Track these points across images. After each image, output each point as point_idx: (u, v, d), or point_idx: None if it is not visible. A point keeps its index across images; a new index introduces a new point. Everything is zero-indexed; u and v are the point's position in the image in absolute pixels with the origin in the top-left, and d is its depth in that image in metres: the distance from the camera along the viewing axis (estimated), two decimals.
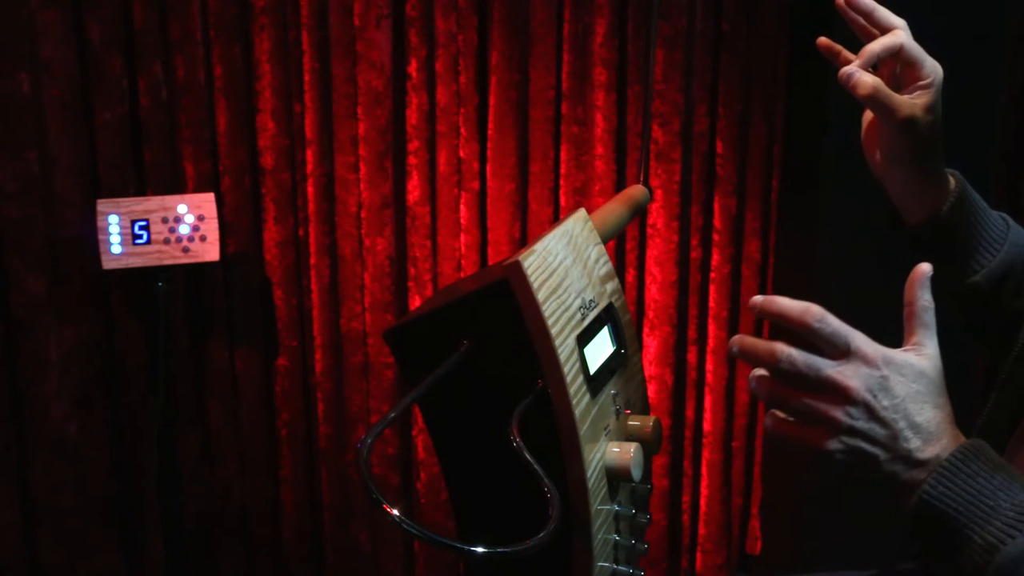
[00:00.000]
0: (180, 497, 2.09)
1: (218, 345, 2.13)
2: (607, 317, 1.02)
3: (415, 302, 2.15)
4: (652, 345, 2.20)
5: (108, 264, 1.90)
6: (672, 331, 2.19)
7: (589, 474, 0.91)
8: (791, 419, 0.78)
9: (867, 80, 0.92)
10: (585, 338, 0.95)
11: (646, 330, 2.20)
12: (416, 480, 2.25)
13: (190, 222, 1.94)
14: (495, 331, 0.92)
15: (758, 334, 2.26)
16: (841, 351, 0.76)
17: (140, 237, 1.91)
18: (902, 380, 0.76)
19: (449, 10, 2.04)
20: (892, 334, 0.80)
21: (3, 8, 1.88)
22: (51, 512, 2.06)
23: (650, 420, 1.04)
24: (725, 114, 2.13)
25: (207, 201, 1.95)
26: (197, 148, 2.04)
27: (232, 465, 2.20)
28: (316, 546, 2.28)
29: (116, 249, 1.90)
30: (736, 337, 0.80)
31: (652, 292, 2.18)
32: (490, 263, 2.14)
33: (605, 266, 1.05)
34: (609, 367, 1.00)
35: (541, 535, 0.76)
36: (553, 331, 0.89)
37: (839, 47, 1.00)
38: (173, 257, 1.94)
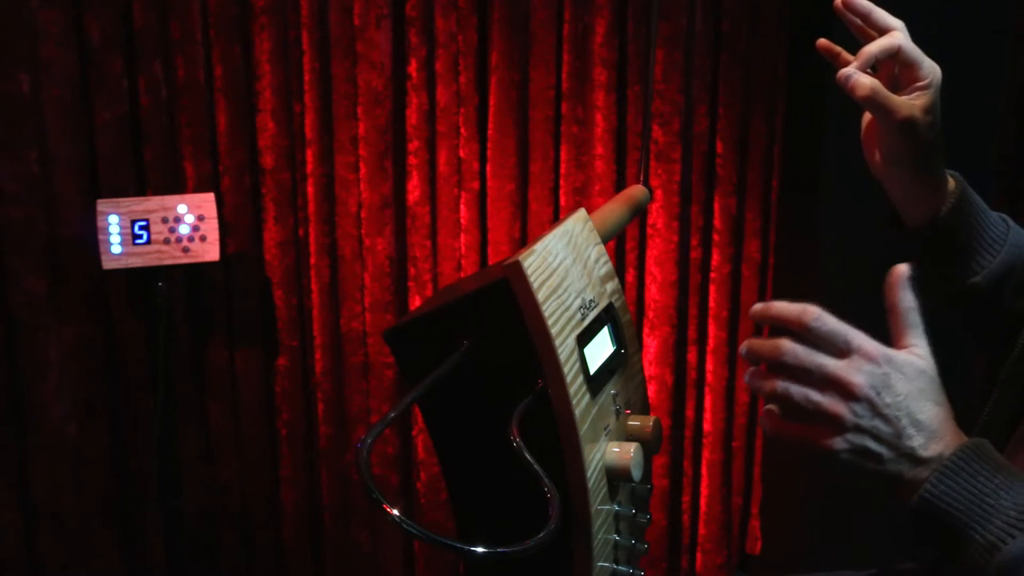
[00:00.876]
0: (180, 497, 2.09)
1: (218, 345, 2.13)
2: (607, 317, 1.02)
3: (415, 302, 2.15)
4: (652, 345, 2.20)
5: (108, 264, 1.90)
6: (672, 331, 2.19)
7: (589, 474, 0.91)
8: (791, 418, 0.78)
9: (865, 81, 0.92)
10: (585, 338, 0.95)
11: (646, 330, 2.20)
12: (416, 480, 2.25)
13: (190, 222, 1.94)
14: (495, 331, 0.92)
15: (759, 335, 2.26)
16: (842, 349, 0.76)
17: (140, 237, 1.91)
18: (904, 378, 0.76)
19: (449, 10, 2.04)
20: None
21: (3, 8, 1.88)
22: (51, 512, 2.06)
23: (650, 420, 1.04)
24: (725, 114, 2.13)
25: (207, 201, 1.95)
26: (197, 148, 2.04)
27: (232, 465, 2.20)
28: (316, 546, 2.28)
29: (116, 249, 1.90)
30: (746, 341, 0.80)
31: (652, 292, 2.18)
32: (490, 263, 2.14)
33: (605, 266, 1.05)
34: (609, 367, 1.00)
35: (541, 535, 0.76)
36: (553, 331, 0.89)
37: (839, 48, 1.00)
38: (173, 257, 1.93)
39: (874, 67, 0.95)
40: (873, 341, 0.77)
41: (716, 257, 2.19)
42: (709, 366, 2.24)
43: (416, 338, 0.98)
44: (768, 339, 0.78)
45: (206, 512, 2.19)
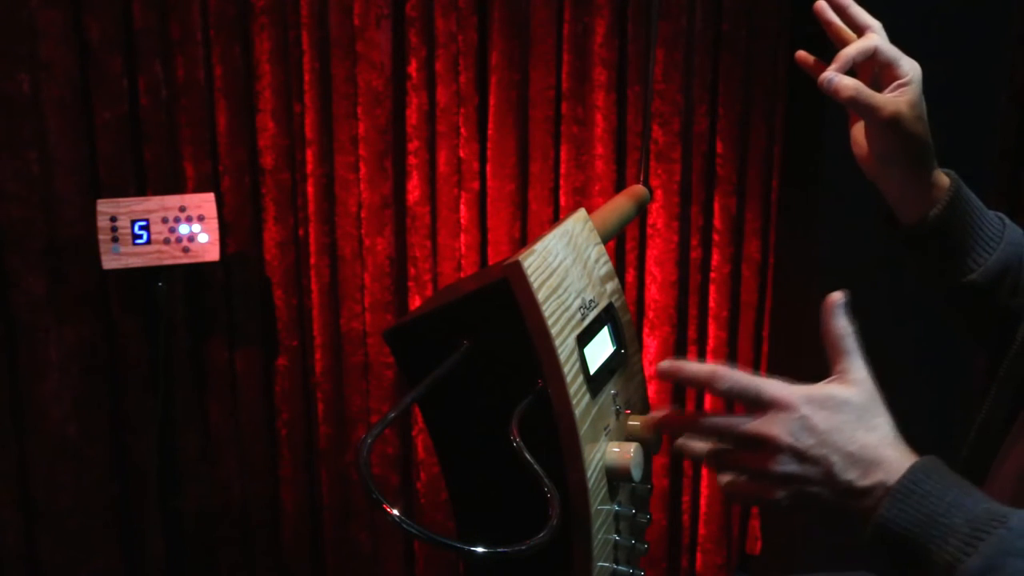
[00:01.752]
0: (180, 497, 2.09)
1: (218, 345, 2.13)
2: (607, 317, 1.02)
3: (415, 302, 2.15)
4: (652, 345, 2.20)
5: (108, 264, 1.90)
6: (672, 331, 2.19)
7: (589, 474, 0.91)
8: (739, 477, 0.81)
9: (847, 83, 0.92)
10: (585, 338, 0.95)
11: (646, 330, 2.20)
12: (416, 480, 2.25)
13: (190, 222, 1.94)
14: (495, 331, 0.92)
15: (757, 337, 2.27)
16: (756, 404, 0.78)
17: (140, 237, 1.91)
18: (824, 414, 0.77)
19: (449, 10, 2.04)
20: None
21: (3, 8, 1.88)
22: (51, 512, 2.06)
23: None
24: (725, 114, 2.13)
25: (207, 201, 1.95)
26: (197, 148, 2.04)
27: (232, 465, 2.20)
28: (316, 546, 2.28)
29: (116, 249, 1.90)
30: (668, 414, 0.86)
31: (652, 292, 2.18)
32: (490, 263, 2.14)
33: (605, 266, 1.05)
34: (609, 367, 1.00)
35: (541, 535, 0.76)
36: (553, 331, 0.89)
37: (813, 58, 1.00)
38: (173, 257, 1.93)
39: (853, 71, 0.95)
40: (787, 386, 0.78)
41: (716, 257, 2.19)
42: None
43: (416, 338, 0.98)
44: (691, 415, 0.81)
45: (206, 512, 2.19)
